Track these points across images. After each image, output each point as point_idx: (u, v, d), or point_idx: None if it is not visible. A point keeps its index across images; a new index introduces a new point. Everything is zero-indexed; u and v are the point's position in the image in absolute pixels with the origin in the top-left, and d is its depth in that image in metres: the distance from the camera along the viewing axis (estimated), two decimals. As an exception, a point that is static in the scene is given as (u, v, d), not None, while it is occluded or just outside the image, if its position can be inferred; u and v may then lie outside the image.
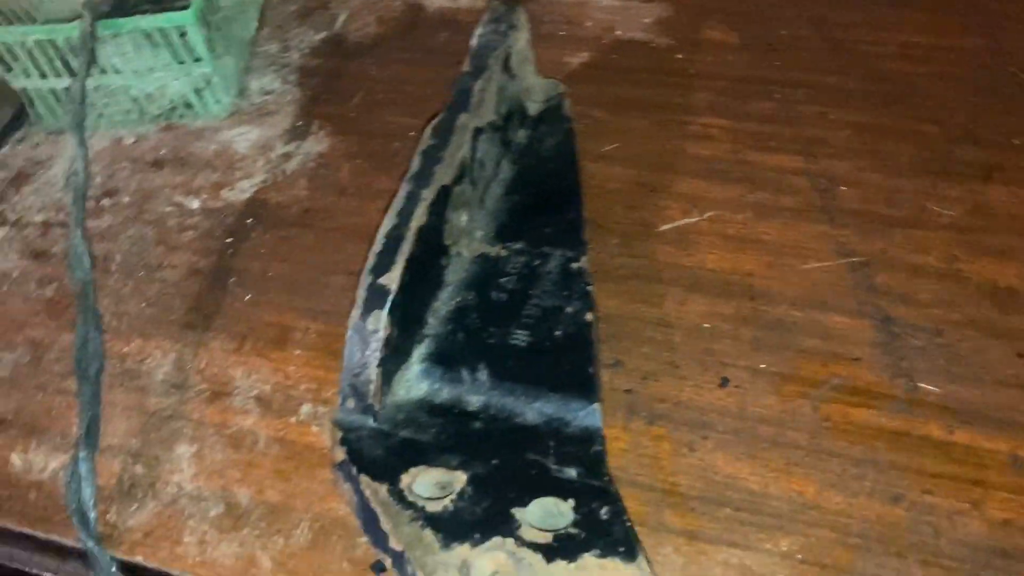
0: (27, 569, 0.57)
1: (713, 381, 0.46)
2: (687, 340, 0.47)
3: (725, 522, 0.41)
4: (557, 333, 0.45)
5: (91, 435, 0.44)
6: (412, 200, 0.44)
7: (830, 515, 0.40)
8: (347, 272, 0.53)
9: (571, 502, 0.38)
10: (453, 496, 0.38)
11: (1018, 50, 0.61)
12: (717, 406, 0.45)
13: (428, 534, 0.37)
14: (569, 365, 0.44)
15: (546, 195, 0.53)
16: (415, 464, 0.40)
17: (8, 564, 0.57)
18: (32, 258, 0.57)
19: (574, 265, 0.48)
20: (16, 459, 0.47)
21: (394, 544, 0.37)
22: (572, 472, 0.40)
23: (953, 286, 0.48)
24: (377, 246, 0.43)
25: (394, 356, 0.43)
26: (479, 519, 0.37)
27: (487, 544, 0.36)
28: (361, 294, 0.42)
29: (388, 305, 0.41)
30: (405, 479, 0.39)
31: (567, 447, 0.41)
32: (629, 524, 0.37)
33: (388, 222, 0.44)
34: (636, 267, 0.51)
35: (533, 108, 0.57)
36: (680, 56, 0.64)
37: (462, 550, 0.36)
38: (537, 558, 0.36)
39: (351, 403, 0.43)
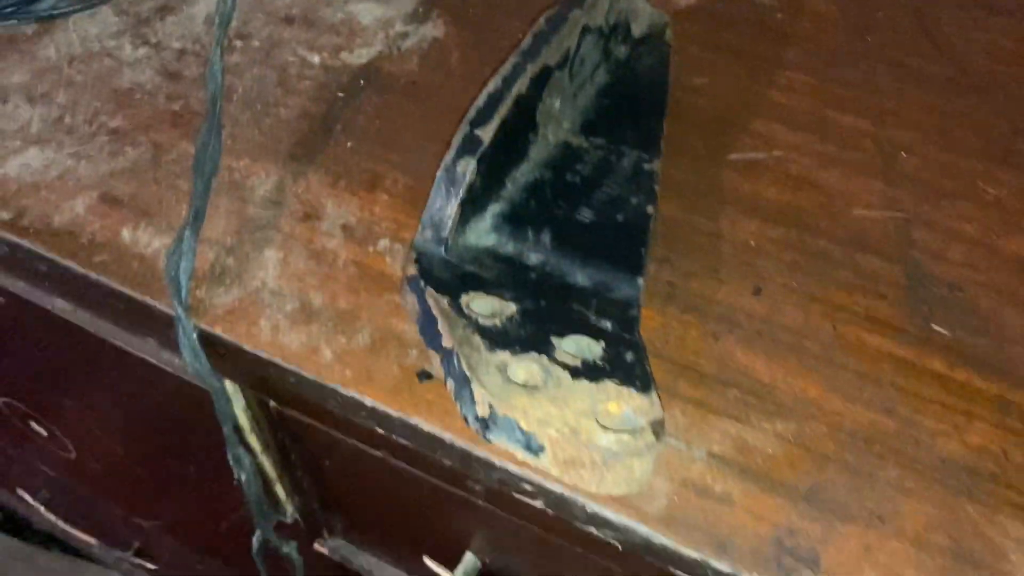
0: (111, 339, 0.64)
1: (748, 289, 0.50)
2: (732, 252, 0.52)
3: (732, 401, 0.46)
4: (619, 217, 0.50)
5: (198, 219, 0.50)
6: (517, 70, 0.49)
7: (827, 413, 0.45)
8: (442, 141, 0.59)
9: (602, 343, 0.43)
10: (503, 319, 0.44)
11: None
12: (747, 309, 0.49)
13: (477, 339, 0.42)
14: (624, 245, 0.49)
15: (633, 107, 0.58)
16: (474, 290, 0.46)
17: (94, 332, 0.64)
18: (166, 76, 0.64)
19: (646, 166, 0.53)
20: (126, 234, 0.54)
21: (446, 343, 0.43)
22: (607, 324, 0.45)
23: (984, 253, 0.52)
24: (479, 101, 0.48)
25: (473, 204, 0.49)
26: (522, 338, 0.43)
27: (525, 356, 0.42)
28: (456, 140, 0.48)
29: (479, 154, 0.47)
30: (464, 298, 0.45)
31: (608, 307, 0.47)
32: (649, 369, 0.43)
33: (492, 84, 0.49)
34: (700, 184, 0.56)
35: (637, 30, 0.62)
36: (780, 16, 0.69)
37: (504, 355, 0.42)
38: (565, 375, 0.41)
39: (428, 233, 0.48)
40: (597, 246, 0.49)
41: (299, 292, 0.51)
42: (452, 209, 0.47)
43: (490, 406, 0.40)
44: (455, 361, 0.41)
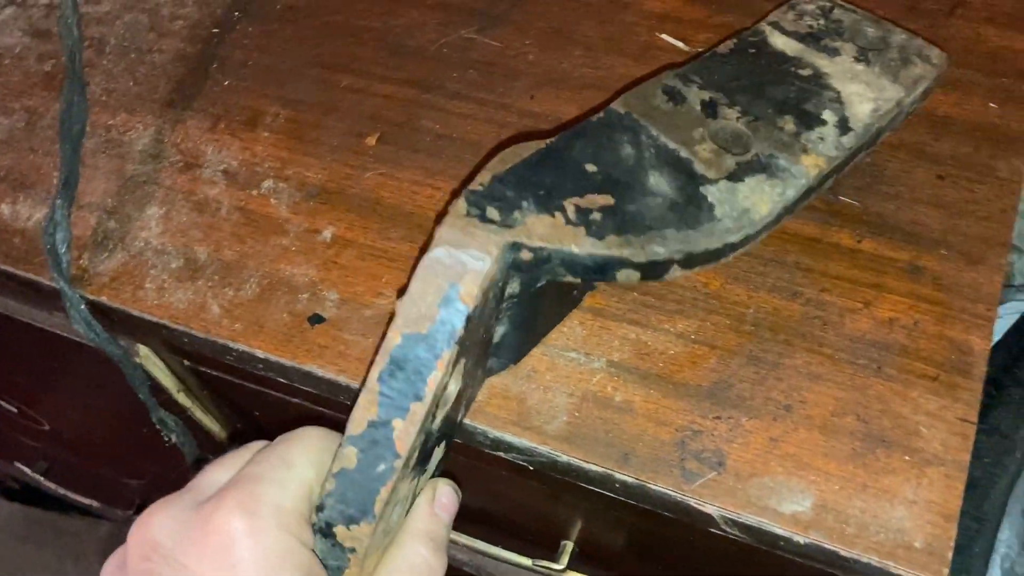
0: (27, 319, 0.63)
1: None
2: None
3: (631, 304, 0.44)
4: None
5: (69, 187, 0.48)
6: None
7: (729, 304, 0.43)
8: (321, 65, 0.56)
9: None
10: None
11: None
12: (645, 205, 0.47)
13: None
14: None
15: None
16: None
17: (11, 315, 0.63)
18: (34, 36, 0.61)
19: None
20: (5, 208, 0.52)
21: None
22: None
23: (894, 111, 0.49)
24: None
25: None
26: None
27: None
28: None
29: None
30: None
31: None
32: None
33: None
34: (596, 78, 0.53)
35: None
36: None
37: None
38: None
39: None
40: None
41: (184, 247, 0.48)
42: None
43: None
44: None
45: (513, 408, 0.41)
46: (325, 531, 0.33)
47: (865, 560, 0.36)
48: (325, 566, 0.33)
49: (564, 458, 0.40)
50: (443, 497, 0.38)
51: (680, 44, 0.54)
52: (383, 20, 0.58)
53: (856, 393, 0.40)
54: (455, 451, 0.41)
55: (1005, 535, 0.53)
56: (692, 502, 0.38)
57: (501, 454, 0.42)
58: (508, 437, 0.41)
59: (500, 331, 0.40)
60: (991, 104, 0.48)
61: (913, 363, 0.40)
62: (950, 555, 0.35)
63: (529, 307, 0.39)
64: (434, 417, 0.34)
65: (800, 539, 0.37)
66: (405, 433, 0.32)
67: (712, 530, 0.39)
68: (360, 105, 0.54)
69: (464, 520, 0.56)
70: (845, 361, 0.41)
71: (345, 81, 0.55)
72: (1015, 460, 0.54)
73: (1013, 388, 0.56)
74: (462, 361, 0.34)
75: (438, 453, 0.38)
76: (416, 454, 0.33)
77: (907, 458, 0.38)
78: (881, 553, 0.36)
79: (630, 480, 0.39)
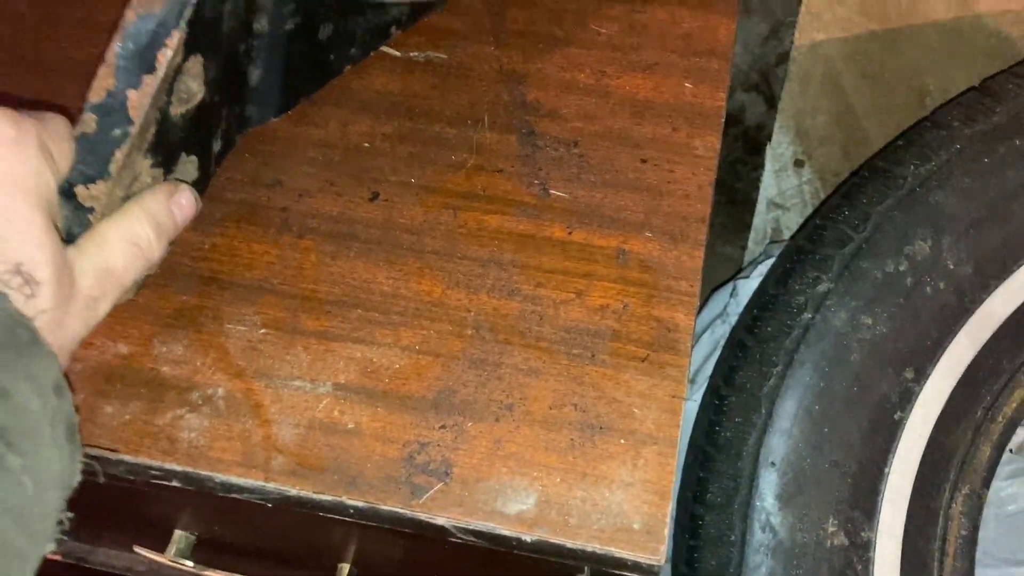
0: None
1: (365, 195, 0.47)
2: (345, 159, 0.49)
3: (355, 322, 0.43)
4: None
5: None
6: None
7: (451, 310, 0.43)
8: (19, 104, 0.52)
9: None
10: None
11: None
12: (364, 218, 0.46)
13: None
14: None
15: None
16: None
17: None
18: None
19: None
20: None
21: None
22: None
23: (597, 100, 0.50)
24: None
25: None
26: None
27: None
28: None
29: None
30: None
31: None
32: None
33: None
34: (307, 91, 0.52)
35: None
36: None
37: None
38: None
39: None
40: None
41: None
42: None
43: None
44: None
45: (238, 449, 0.40)
46: (67, 192, 0.36)
47: (590, 549, 0.37)
48: (69, 234, 0.36)
49: (294, 492, 0.39)
50: (182, 197, 0.40)
51: None
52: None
53: (572, 383, 0.41)
54: (202, 497, 0.40)
55: (759, 490, 0.56)
56: (423, 517, 0.38)
57: (235, 496, 0.41)
58: (235, 480, 0.40)
59: (255, 73, 0.45)
60: (687, 84, 0.50)
61: (624, 346, 0.42)
62: (666, 531, 0.37)
63: (281, 52, 0.45)
64: (169, 100, 0.38)
65: (527, 537, 0.37)
66: (138, 102, 0.36)
67: (452, 539, 0.39)
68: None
69: (237, 557, 0.54)
70: (561, 352, 0.42)
71: None
72: (761, 416, 0.57)
73: (755, 347, 0.59)
74: (201, 59, 0.39)
75: (186, 164, 0.42)
76: (152, 132, 0.38)
77: (622, 441, 0.39)
78: (602, 540, 0.37)
79: (361, 504, 0.39)
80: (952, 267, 0.56)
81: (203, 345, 0.43)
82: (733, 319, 0.83)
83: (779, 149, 0.93)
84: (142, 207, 0.38)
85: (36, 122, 0.34)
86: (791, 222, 0.99)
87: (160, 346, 0.43)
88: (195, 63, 0.39)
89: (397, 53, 0.52)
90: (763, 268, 0.84)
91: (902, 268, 0.56)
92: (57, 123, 0.36)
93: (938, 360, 0.56)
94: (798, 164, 0.95)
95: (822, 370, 0.55)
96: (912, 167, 0.59)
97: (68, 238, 0.37)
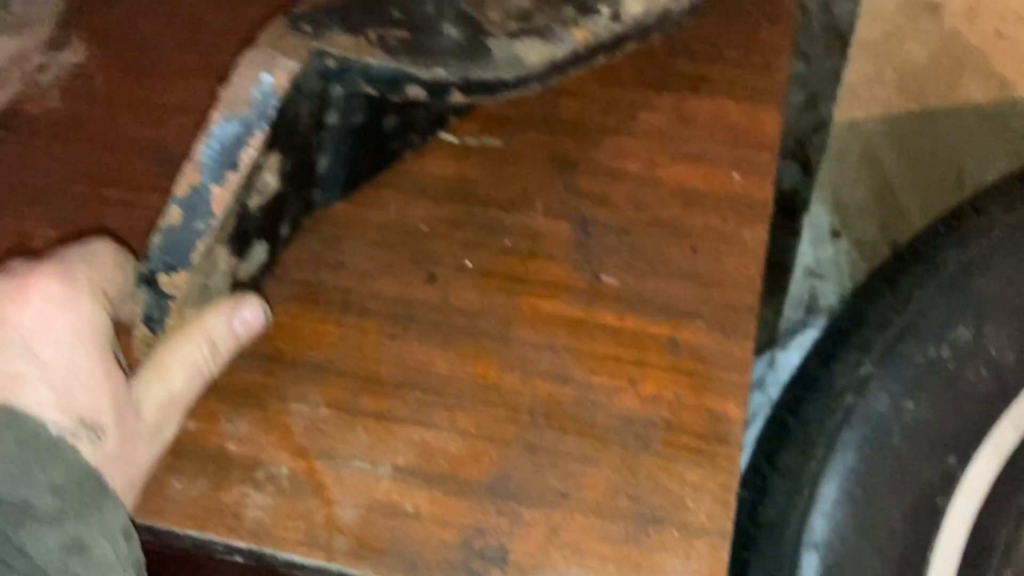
0: None
1: (422, 278, 0.49)
2: (405, 241, 0.50)
3: (413, 404, 0.45)
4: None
5: None
6: None
7: (506, 394, 0.45)
8: (89, 177, 0.54)
9: None
10: None
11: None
12: (421, 299, 0.48)
13: None
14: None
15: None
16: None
17: None
18: None
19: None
20: None
21: None
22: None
23: (647, 189, 0.52)
24: None
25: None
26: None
27: None
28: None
29: None
30: None
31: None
32: None
33: None
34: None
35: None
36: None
37: None
38: None
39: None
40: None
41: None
42: None
43: None
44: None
45: (301, 528, 0.41)
46: (149, 279, 0.38)
47: (642, 639, 0.38)
48: (149, 319, 0.39)
49: (356, 573, 0.40)
50: (247, 311, 0.41)
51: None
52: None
53: (627, 472, 0.42)
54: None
55: (802, 572, 0.56)
56: (479, 603, 0.39)
57: (296, 574, 0.42)
58: (297, 558, 0.41)
59: (323, 162, 0.48)
60: (735, 174, 0.52)
61: (677, 436, 0.43)
62: (717, 623, 0.38)
63: (348, 142, 0.48)
64: (248, 193, 0.40)
65: (581, 627, 0.38)
66: (220, 196, 0.38)
67: (505, 625, 0.40)
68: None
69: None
70: (615, 441, 0.43)
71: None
72: (803, 498, 0.57)
73: (797, 428, 0.60)
74: (279, 156, 0.41)
75: (259, 251, 0.44)
76: (232, 224, 0.40)
77: (676, 533, 0.40)
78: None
79: (419, 588, 0.40)
80: (994, 353, 0.57)
81: (267, 423, 0.44)
82: (771, 389, 0.84)
83: (817, 219, 0.95)
84: (203, 330, 0.40)
85: (82, 263, 0.37)
86: (827, 291, 1.01)
87: (226, 423, 0.44)
88: (273, 159, 0.41)
89: (454, 139, 0.54)
90: (801, 340, 0.84)
91: (944, 354, 0.57)
92: (102, 253, 0.38)
93: (981, 446, 0.57)
94: (835, 235, 0.96)
95: (864, 454, 0.56)
96: (953, 252, 0.60)
97: (147, 322, 0.39)
